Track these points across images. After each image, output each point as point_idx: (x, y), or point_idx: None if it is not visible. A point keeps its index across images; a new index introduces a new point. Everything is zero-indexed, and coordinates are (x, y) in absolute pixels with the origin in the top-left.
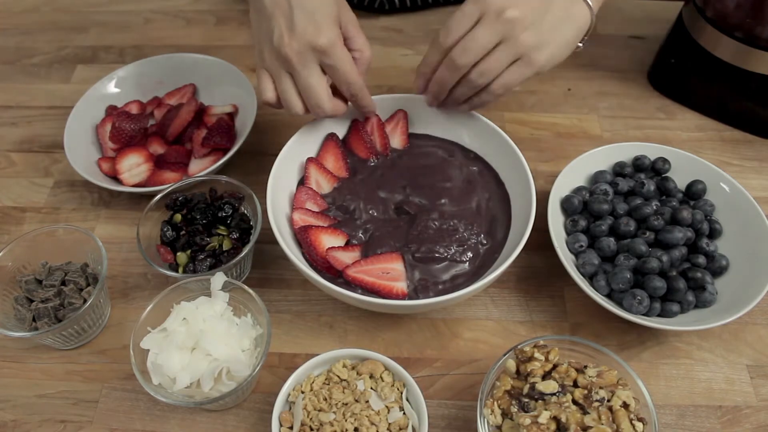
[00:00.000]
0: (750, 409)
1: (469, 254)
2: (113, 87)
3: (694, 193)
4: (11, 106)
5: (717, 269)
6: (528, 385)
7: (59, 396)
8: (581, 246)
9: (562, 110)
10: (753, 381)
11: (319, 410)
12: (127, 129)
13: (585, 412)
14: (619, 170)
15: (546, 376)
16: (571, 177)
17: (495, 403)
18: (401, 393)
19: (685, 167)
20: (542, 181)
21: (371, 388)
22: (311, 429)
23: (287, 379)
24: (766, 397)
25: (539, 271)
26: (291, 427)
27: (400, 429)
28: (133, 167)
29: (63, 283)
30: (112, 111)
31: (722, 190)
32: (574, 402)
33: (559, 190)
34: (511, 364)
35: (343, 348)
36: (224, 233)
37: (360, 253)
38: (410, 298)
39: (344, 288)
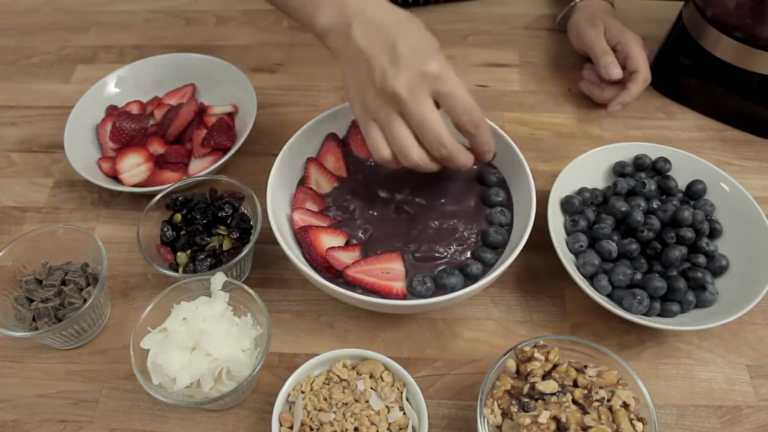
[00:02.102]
0: (750, 409)
1: (469, 254)
2: (113, 87)
3: (694, 193)
4: (11, 106)
5: (717, 269)
6: (528, 385)
7: (59, 396)
8: (581, 246)
9: (562, 110)
10: (753, 381)
11: (319, 410)
12: (127, 129)
13: (585, 412)
14: (619, 170)
15: (546, 376)
16: (571, 177)
17: (495, 403)
18: (401, 393)
19: (685, 167)
20: (542, 181)
21: (371, 388)
22: (311, 429)
23: (287, 379)
24: (766, 397)
25: (539, 271)
26: (291, 427)
27: (400, 429)
28: (133, 167)
29: (63, 283)
30: (112, 111)
31: (722, 190)
32: (574, 402)
33: (559, 190)
34: (511, 364)
35: (343, 348)
36: (224, 233)
37: (360, 252)
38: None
39: (344, 288)
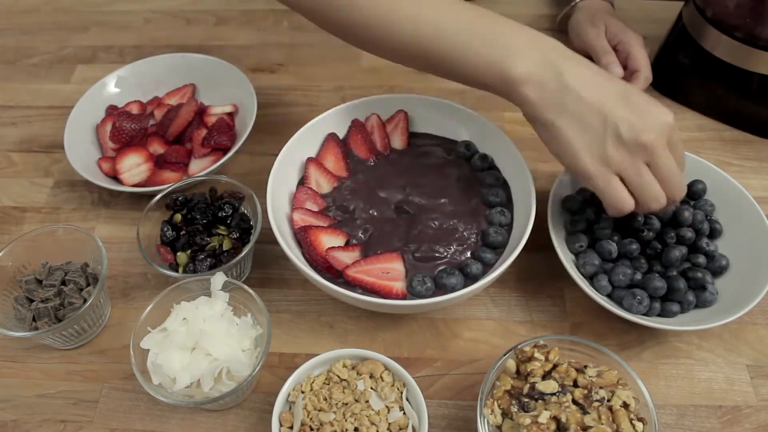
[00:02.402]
0: (750, 409)
1: (469, 254)
2: (113, 87)
3: (694, 193)
4: (11, 106)
5: (717, 269)
6: (528, 385)
7: (59, 396)
8: (581, 246)
9: None
10: (753, 381)
11: (319, 410)
12: (127, 129)
13: (585, 412)
14: None
15: (546, 376)
16: (572, 177)
17: (495, 403)
18: (401, 393)
19: (685, 167)
20: (542, 181)
21: (371, 388)
22: (311, 429)
23: (287, 379)
24: (766, 397)
25: (539, 271)
26: (291, 427)
27: (400, 429)
28: (133, 167)
29: (63, 283)
30: (112, 111)
31: (722, 190)
32: (574, 402)
33: (559, 190)
34: (511, 364)
35: (343, 348)
36: (224, 233)
37: (360, 252)
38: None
39: (344, 288)
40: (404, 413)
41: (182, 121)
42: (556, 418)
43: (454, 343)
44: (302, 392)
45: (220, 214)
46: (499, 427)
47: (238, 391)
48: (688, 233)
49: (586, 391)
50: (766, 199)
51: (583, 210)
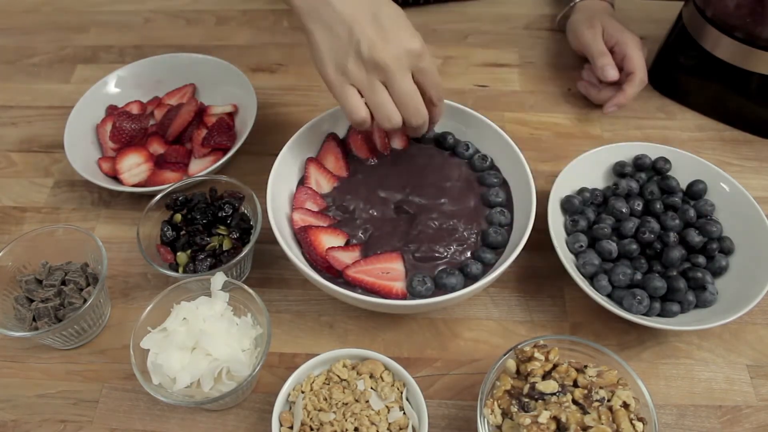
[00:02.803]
0: (750, 409)
1: (469, 254)
2: (113, 87)
3: (694, 193)
4: (11, 106)
5: (717, 269)
6: (528, 385)
7: (59, 396)
8: (581, 246)
9: (562, 110)
10: (753, 381)
11: (319, 410)
12: (127, 129)
13: (585, 412)
14: (619, 170)
15: (546, 375)
16: (571, 177)
17: (495, 402)
18: (401, 393)
19: (685, 167)
20: (542, 181)
21: (371, 388)
22: (311, 429)
23: (287, 379)
24: (766, 397)
25: (539, 271)
26: (291, 427)
27: (400, 429)
28: (133, 167)
29: (63, 283)
30: (112, 111)
31: (722, 190)
32: (574, 402)
33: (559, 190)
34: (511, 364)
35: (343, 348)
36: (224, 233)
37: (360, 252)
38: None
39: (344, 288)
40: (404, 413)
41: (182, 121)
42: (556, 418)
43: (454, 343)
44: (302, 392)
45: (220, 214)
46: (499, 427)
47: (238, 391)
48: (696, 238)
49: (586, 391)
50: (766, 199)
51: (583, 210)
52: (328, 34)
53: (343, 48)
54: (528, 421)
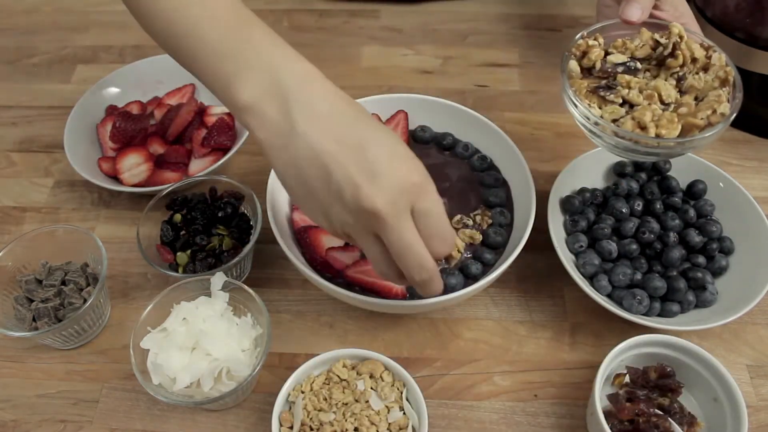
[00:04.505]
0: (750, 409)
1: (469, 254)
2: (113, 87)
3: (694, 193)
4: (11, 106)
5: (717, 269)
6: (599, 62)
7: (59, 396)
8: (581, 246)
9: (562, 110)
10: (753, 381)
11: (319, 410)
12: (127, 129)
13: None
14: (619, 170)
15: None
16: (571, 177)
17: (587, 101)
18: (401, 393)
19: (685, 167)
20: (542, 181)
21: (371, 388)
22: (311, 429)
23: (287, 379)
24: (766, 397)
25: (539, 271)
26: (291, 427)
27: (400, 429)
28: (133, 167)
29: (63, 283)
30: (112, 111)
31: (722, 190)
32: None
33: (559, 190)
34: (573, 65)
35: (343, 348)
36: (224, 233)
37: (360, 252)
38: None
39: (344, 288)
40: (404, 413)
41: (182, 121)
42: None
43: (454, 343)
44: (302, 392)
45: (220, 214)
46: (597, 124)
47: (238, 391)
48: (696, 238)
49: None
50: (766, 199)
51: (583, 210)
52: (301, 177)
53: (321, 194)
54: (627, 79)
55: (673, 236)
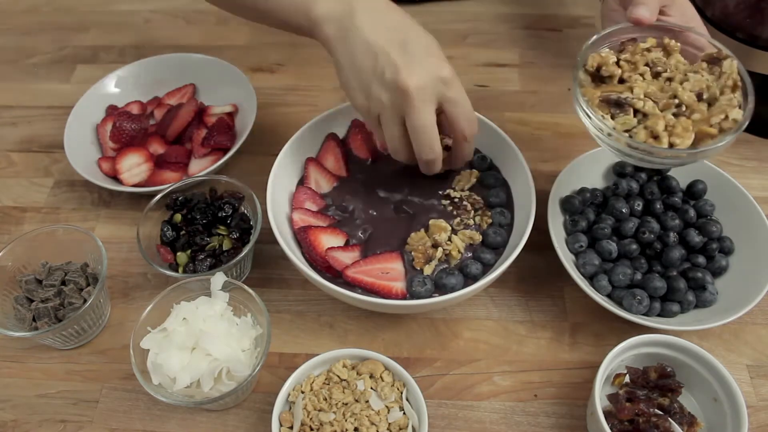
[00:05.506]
0: (750, 409)
1: (469, 254)
2: (113, 87)
3: (694, 193)
4: (11, 106)
5: (717, 269)
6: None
7: (59, 396)
8: (581, 246)
9: (562, 110)
10: (753, 381)
11: (319, 410)
12: (127, 129)
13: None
14: (619, 170)
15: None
16: (571, 177)
17: (599, 112)
18: (401, 393)
19: (685, 167)
20: (542, 181)
21: (371, 388)
22: (311, 429)
23: (287, 379)
24: (766, 397)
25: (539, 271)
26: (291, 427)
27: (400, 429)
28: (133, 167)
29: (63, 283)
30: (112, 111)
31: (722, 190)
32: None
33: (559, 190)
34: (583, 75)
35: (343, 348)
36: (224, 233)
37: (359, 253)
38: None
39: (344, 288)
40: (404, 413)
41: (182, 121)
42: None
43: (454, 343)
44: (302, 392)
45: (220, 214)
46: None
47: (238, 391)
48: (696, 238)
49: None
50: (766, 199)
51: (583, 210)
52: (354, 61)
53: (368, 74)
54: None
55: (673, 236)
